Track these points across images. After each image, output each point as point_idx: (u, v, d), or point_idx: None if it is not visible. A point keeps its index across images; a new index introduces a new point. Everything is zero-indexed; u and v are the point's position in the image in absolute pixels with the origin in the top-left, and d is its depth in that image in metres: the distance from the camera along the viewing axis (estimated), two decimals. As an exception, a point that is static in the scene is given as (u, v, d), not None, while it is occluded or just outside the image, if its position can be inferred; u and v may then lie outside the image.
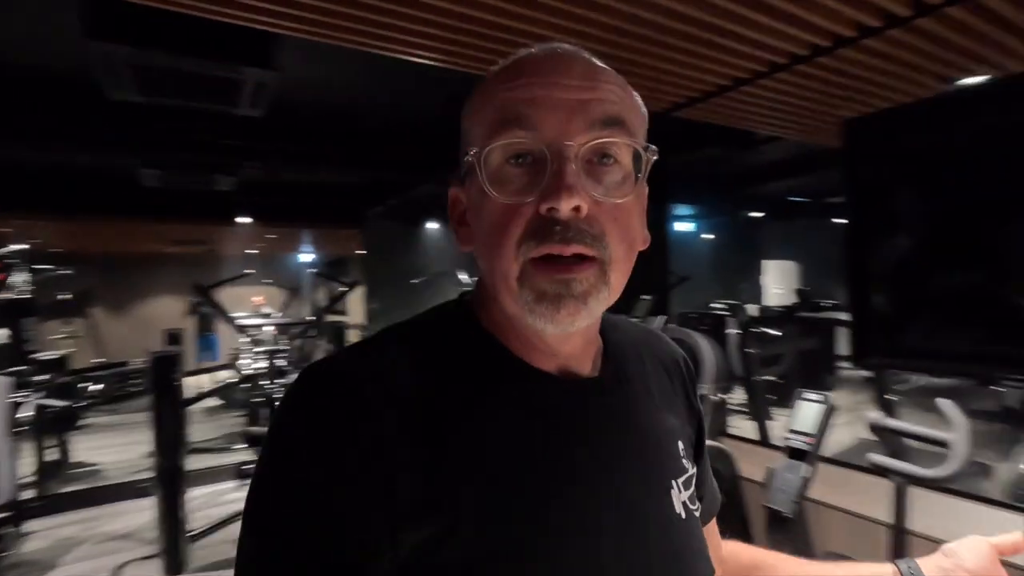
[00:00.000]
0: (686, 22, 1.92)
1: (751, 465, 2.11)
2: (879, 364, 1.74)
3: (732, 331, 4.09)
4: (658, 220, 7.01)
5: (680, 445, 0.55)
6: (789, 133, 3.25)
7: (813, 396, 1.78)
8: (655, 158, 0.45)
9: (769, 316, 6.53)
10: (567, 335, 0.47)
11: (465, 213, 0.50)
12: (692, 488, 0.54)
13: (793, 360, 5.10)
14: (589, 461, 0.47)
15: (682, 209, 8.51)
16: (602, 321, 0.54)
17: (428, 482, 0.41)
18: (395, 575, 0.40)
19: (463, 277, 4.64)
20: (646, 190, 0.48)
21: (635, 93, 0.48)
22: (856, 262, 1.82)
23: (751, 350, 3.86)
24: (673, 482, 0.52)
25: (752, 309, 7.18)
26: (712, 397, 2.32)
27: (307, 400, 0.43)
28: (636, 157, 0.45)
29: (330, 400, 0.42)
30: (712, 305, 6.64)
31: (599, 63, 0.46)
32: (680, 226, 8.47)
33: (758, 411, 3.69)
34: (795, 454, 1.72)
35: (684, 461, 0.55)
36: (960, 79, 2.40)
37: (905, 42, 2.11)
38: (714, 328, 4.14)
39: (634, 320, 0.65)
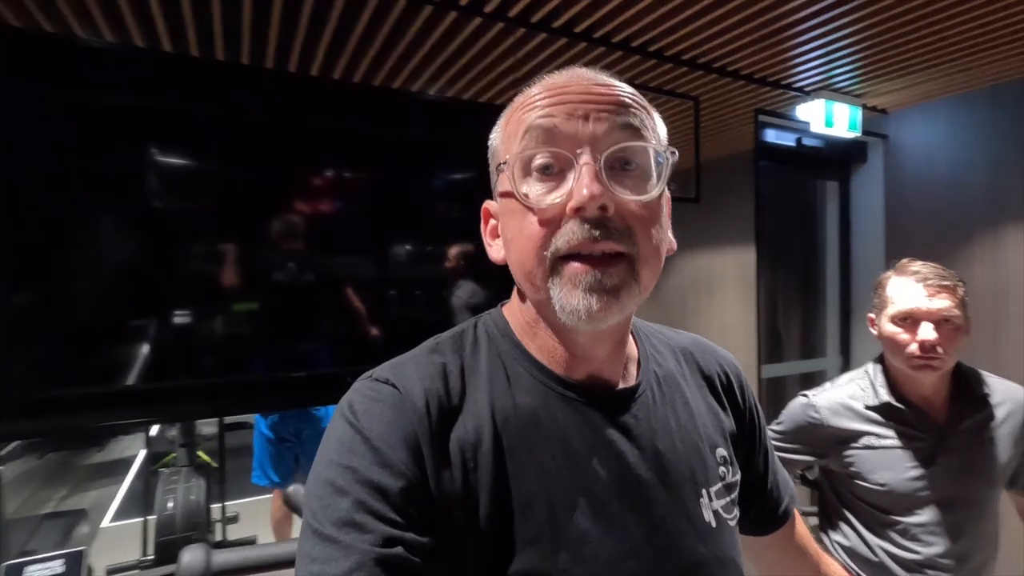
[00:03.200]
0: None
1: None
2: (22, 433, 1.21)
3: None
4: None
5: (720, 453, 0.56)
6: None
7: None
8: (675, 159, 0.48)
9: None
10: (598, 336, 0.49)
11: (497, 227, 0.53)
12: (732, 495, 0.56)
13: None
14: (612, 473, 0.48)
15: None
16: (638, 329, 0.59)
17: (458, 484, 0.44)
18: (432, 554, 0.42)
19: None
20: (669, 196, 0.51)
21: (651, 106, 0.50)
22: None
23: None
24: (704, 491, 0.53)
25: None
26: None
27: (362, 405, 0.46)
28: (657, 162, 0.47)
29: (382, 406, 0.45)
30: None
31: (616, 80, 0.49)
32: None
33: None
34: None
35: (722, 468, 0.55)
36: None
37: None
38: None
39: (681, 330, 0.66)
